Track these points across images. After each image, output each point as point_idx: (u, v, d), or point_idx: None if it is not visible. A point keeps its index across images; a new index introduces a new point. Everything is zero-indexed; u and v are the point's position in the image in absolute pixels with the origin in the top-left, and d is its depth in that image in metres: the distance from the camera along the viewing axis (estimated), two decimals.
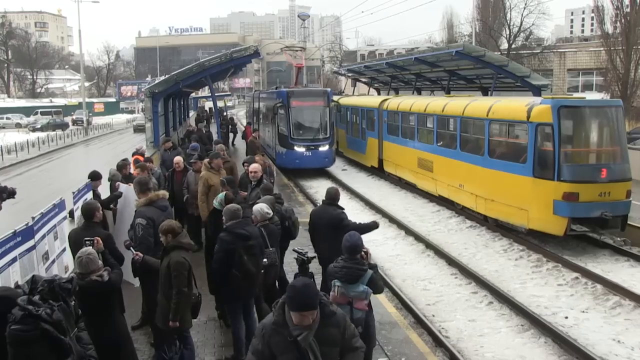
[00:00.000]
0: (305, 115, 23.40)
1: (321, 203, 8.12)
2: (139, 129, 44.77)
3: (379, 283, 5.61)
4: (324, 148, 23.04)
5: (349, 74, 38.33)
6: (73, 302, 4.57)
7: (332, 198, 7.69)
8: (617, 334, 8.69)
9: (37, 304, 4.17)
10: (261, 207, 7.52)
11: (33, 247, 6.40)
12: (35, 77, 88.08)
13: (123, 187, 9.14)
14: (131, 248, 6.45)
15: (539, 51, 44.49)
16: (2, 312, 4.17)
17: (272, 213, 7.50)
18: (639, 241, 12.85)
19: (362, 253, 5.60)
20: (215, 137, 23.69)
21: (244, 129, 33.43)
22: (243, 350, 6.67)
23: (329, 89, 25.24)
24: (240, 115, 67.70)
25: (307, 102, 23.26)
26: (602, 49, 35.30)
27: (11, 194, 8.70)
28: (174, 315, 5.95)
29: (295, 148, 22.80)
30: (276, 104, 23.39)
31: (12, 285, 5.50)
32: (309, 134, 23.10)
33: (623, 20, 31.97)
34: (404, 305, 9.75)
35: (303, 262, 5.53)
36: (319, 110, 23.34)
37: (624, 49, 31.55)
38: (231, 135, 32.17)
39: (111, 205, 8.81)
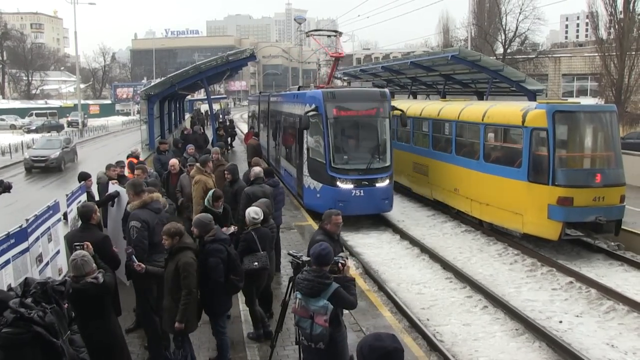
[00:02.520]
0: (354, 130, 15.43)
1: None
2: None
3: (347, 298, 5.19)
4: (383, 183, 14.81)
5: (345, 78, 38.34)
6: (66, 305, 4.55)
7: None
8: (611, 339, 8.71)
9: (30, 306, 4.13)
10: (249, 211, 7.54)
11: (27, 250, 6.35)
12: (30, 78, 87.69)
13: (118, 188, 9.17)
14: (133, 256, 6.43)
15: (534, 56, 44.69)
16: None
17: (260, 217, 7.49)
18: (633, 246, 12.90)
19: (339, 264, 5.35)
20: (210, 139, 23.68)
21: (243, 134, 32.59)
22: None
23: (386, 90, 15.95)
24: (234, 119, 67.48)
25: (358, 110, 15.07)
26: (596, 54, 35.54)
27: (7, 187, 8.67)
28: (181, 317, 5.99)
29: (339, 184, 14.56)
30: (306, 113, 14.90)
31: (5, 288, 5.47)
32: (360, 161, 14.88)
33: (617, 26, 32.18)
34: (399, 309, 9.74)
35: (298, 266, 5.51)
36: (375, 123, 15.24)
37: (618, 54, 31.75)
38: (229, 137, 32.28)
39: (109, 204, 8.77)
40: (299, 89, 19.95)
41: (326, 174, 14.68)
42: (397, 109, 15.93)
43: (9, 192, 8.73)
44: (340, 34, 18.34)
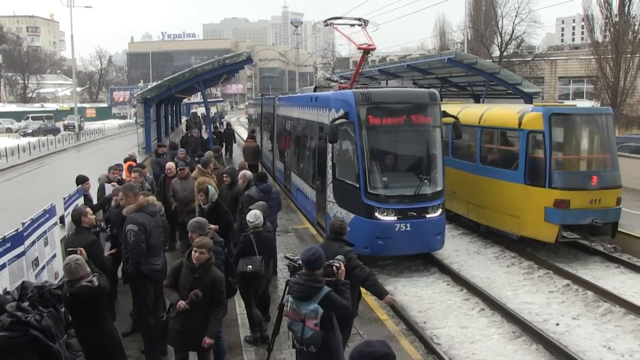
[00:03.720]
0: (397, 143, 12.03)
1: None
2: None
3: (339, 303, 5.16)
4: (435, 214, 11.39)
5: (342, 81, 38.37)
6: (63, 308, 4.53)
7: (337, 232, 6.61)
8: (608, 341, 8.72)
9: (26, 310, 4.11)
10: (248, 215, 7.55)
11: (23, 254, 6.34)
12: (26, 81, 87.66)
13: (109, 188, 9.25)
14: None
15: (530, 59, 44.88)
16: None
17: (256, 221, 7.48)
18: (629, 248, 12.92)
19: (334, 267, 5.34)
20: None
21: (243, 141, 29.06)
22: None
23: (435, 90, 12.58)
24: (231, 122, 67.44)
25: (402, 117, 11.57)
26: (592, 57, 35.71)
27: None
28: (212, 331, 5.95)
29: (378, 215, 11.09)
30: (332, 121, 11.37)
31: (1, 292, 5.45)
32: (406, 185, 11.52)
33: (612, 29, 32.34)
34: (396, 313, 9.73)
35: (294, 269, 5.50)
36: (424, 134, 11.91)
37: (613, 57, 31.91)
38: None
39: (106, 207, 8.77)
40: (315, 90, 16.41)
41: (360, 201, 11.09)
42: (448, 114, 12.37)
43: None
44: (367, 22, 14.68)
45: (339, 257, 5.65)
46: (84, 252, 5.90)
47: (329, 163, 12.08)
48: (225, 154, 27.53)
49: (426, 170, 11.74)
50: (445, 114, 12.18)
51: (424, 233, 11.32)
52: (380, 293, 6.51)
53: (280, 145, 19.89)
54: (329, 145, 11.92)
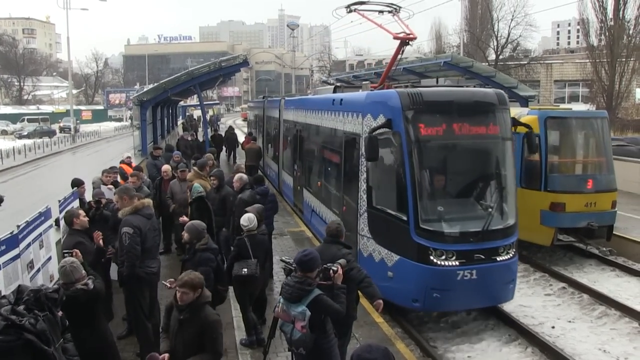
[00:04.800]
0: (459, 162, 9.38)
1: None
2: None
3: (330, 306, 5.12)
4: (507, 255, 8.66)
5: (338, 85, 38.42)
6: (60, 313, 4.50)
7: (334, 235, 6.44)
8: (603, 344, 8.74)
9: (21, 313, 4.08)
10: (242, 219, 7.55)
11: (17, 256, 6.30)
12: (22, 83, 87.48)
13: (105, 190, 9.27)
14: None
15: (526, 62, 45.09)
16: None
17: (250, 225, 7.48)
18: (625, 251, 12.96)
19: (331, 271, 5.34)
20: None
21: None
22: None
23: (502, 91, 9.61)
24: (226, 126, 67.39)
25: (465, 126, 8.69)
26: (587, 60, 35.90)
27: None
28: None
29: (435, 259, 8.30)
30: (372, 132, 8.71)
31: None
32: (471, 217, 8.85)
33: (607, 33, 32.53)
34: (391, 316, 9.72)
35: (290, 272, 5.50)
36: (493, 148, 9.22)
37: (608, 61, 32.11)
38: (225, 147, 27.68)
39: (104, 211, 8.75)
40: (335, 90, 13.51)
41: (408, 239, 8.30)
42: (519, 122, 10.24)
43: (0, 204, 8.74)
44: (399, 8, 11.96)
45: (340, 261, 5.64)
46: (79, 254, 5.89)
47: (362, 185, 9.26)
48: (228, 160, 26.78)
49: (497, 198, 8.91)
50: (515, 122, 9.61)
51: (493, 282, 8.54)
52: (373, 296, 6.35)
53: (288, 155, 17.23)
54: (363, 163, 9.22)
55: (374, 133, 8.57)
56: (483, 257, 8.29)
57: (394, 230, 8.64)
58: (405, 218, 8.37)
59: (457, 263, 8.21)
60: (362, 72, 33.57)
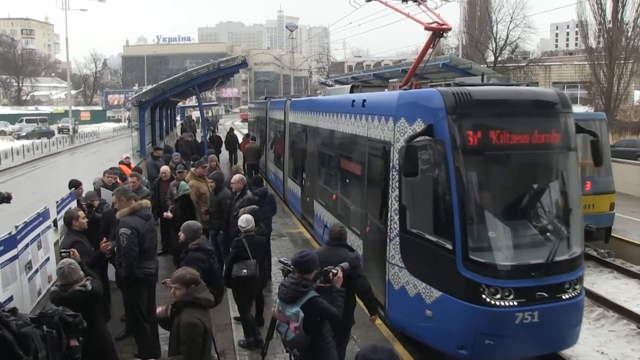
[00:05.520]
0: (516, 178, 7.60)
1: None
2: None
3: (326, 309, 5.11)
4: (573, 292, 6.97)
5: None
6: (72, 341, 4.30)
7: (337, 238, 6.32)
8: (601, 345, 8.76)
9: (17, 316, 4.02)
10: (240, 220, 7.56)
11: (16, 257, 6.30)
12: (20, 84, 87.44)
13: (104, 193, 9.28)
14: None
15: (524, 64, 45.20)
16: None
17: (248, 226, 7.49)
18: (623, 253, 12.98)
19: (330, 274, 5.36)
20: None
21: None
22: None
23: (564, 92, 7.91)
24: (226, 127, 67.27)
25: (525, 134, 6.99)
26: (586, 62, 35.96)
27: (6, 198, 8.64)
28: None
29: (487, 297, 6.55)
30: (410, 140, 7.01)
31: None
32: (530, 245, 7.09)
33: (606, 35, 32.59)
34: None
35: (288, 273, 5.51)
36: (559, 163, 7.56)
37: (607, 63, 32.15)
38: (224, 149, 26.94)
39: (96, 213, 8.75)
40: (352, 90, 11.46)
41: (454, 272, 6.73)
42: (584, 129, 7.92)
43: (9, 202, 8.73)
44: None
45: (343, 264, 5.64)
46: (76, 253, 5.88)
47: (393, 204, 7.71)
48: (230, 162, 26.43)
49: (562, 222, 7.33)
50: (579, 129, 7.65)
51: (557, 325, 6.84)
52: (373, 309, 6.51)
53: (295, 162, 15.82)
54: (394, 176, 7.71)
55: (412, 142, 6.87)
56: (546, 295, 6.61)
57: (435, 261, 7.02)
58: (450, 246, 6.71)
59: (516, 303, 6.53)
60: (360, 73, 33.59)
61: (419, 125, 7.22)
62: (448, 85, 7.66)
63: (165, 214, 9.96)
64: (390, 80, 10.77)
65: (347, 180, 10.48)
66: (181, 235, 6.63)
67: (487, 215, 6.98)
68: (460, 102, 6.85)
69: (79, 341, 4.33)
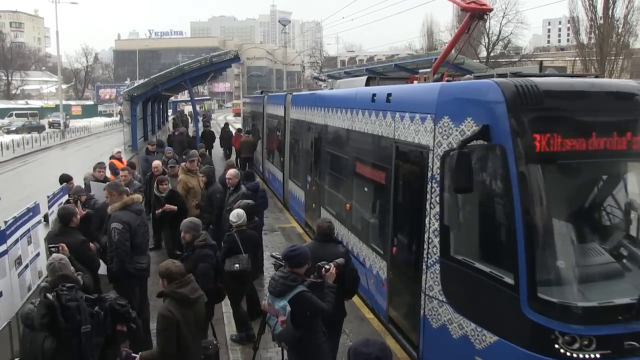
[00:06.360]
0: (598, 194, 5.92)
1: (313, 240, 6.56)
2: None
3: (315, 304, 5.10)
4: None
5: (329, 80, 38.44)
6: (123, 327, 4.63)
7: (326, 233, 6.31)
8: None
9: (72, 291, 4.42)
10: (231, 215, 7.56)
11: (5, 252, 6.26)
12: (10, 78, 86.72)
13: (94, 185, 9.26)
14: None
15: (517, 59, 45.41)
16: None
17: (240, 221, 7.49)
18: None
19: (322, 270, 5.37)
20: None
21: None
22: None
23: None
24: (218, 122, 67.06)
25: (606, 137, 5.25)
26: (577, 58, 36.17)
27: None
28: (148, 358, 4.96)
29: (561, 348, 4.86)
30: (463, 144, 5.41)
31: None
32: (616, 280, 5.35)
33: (597, 32, 32.80)
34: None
35: (280, 267, 5.51)
36: None
37: (598, 59, 32.38)
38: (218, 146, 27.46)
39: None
40: (369, 82, 10.01)
41: (516, 313, 5.15)
42: None
43: None
44: None
45: (338, 260, 5.64)
46: (65, 248, 5.85)
47: (432, 223, 6.24)
48: (225, 157, 26.58)
49: None
50: None
51: None
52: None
53: (298, 163, 14.58)
54: (433, 190, 6.23)
55: (464, 149, 5.35)
56: (638, 345, 5.00)
57: (490, 297, 5.47)
58: (511, 280, 5.18)
59: (598, 355, 4.95)
60: (352, 68, 33.45)
61: (469, 126, 5.68)
62: (502, 76, 5.92)
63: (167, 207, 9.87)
64: (420, 71, 9.05)
65: (366, 189, 8.90)
66: (186, 235, 6.51)
67: (561, 242, 5.34)
68: (525, 96, 5.28)
69: (129, 328, 4.64)
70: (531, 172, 5.19)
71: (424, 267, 6.34)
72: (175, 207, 9.74)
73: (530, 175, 5.18)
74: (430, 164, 6.30)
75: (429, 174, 6.31)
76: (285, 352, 5.61)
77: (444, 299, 6.07)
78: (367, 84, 9.90)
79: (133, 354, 4.85)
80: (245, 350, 7.36)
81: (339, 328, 6.53)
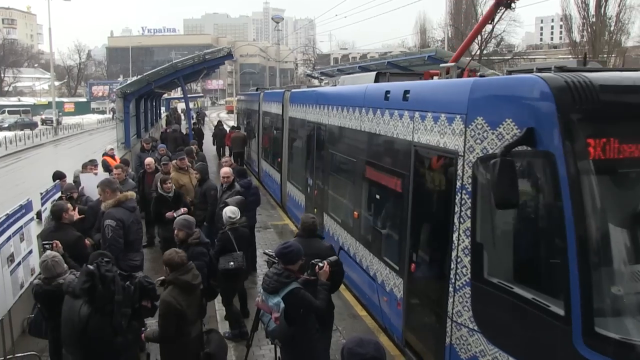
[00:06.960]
0: None
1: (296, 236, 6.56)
2: None
3: (308, 301, 5.12)
4: None
5: (322, 77, 38.44)
6: (148, 303, 5.15)
7: (310, 229, 6.37)
8: None
9: (108, 265, 4.96)
10: (225, 210, 7.57)
11: None
12: (2, 75, 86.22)
13: (83, 177, 9.28)
14: None
15: (509, 57, 45.50)
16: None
17: (236, 217, 7.51)
18: None
19: (316, 268, 5.37)
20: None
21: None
22: None
23: None
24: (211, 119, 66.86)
25: None
26: (570, 56, 36.27)
27: None
28: (150, 337, 5.36)
29: None
30: (507, 150, 4.44)
31: None
32: None
33: (589, 30, 32.98)
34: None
35: (273, 265, 5.53)
36: None
37: (590, 57, 32.48)
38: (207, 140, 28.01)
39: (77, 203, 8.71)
40: (378, 78, 9.38)
41: (567, 350, 4.16)
42: None
43: None
44: None
45: (332, 258, 5.65)
46: (59, 245, 5.85)
47: (462, 240, 5.35)
48: (218, 154, 26.40)
49: None
50: None
51: None
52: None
53: (298, 165, 13.50)
54: (464, 202, 5.32)
55: (508, 155, 4.44)
56: None
57: (532, 328, 4.56)
58: (561, 311, 4.28)
59: None
60: (345, 65, 33.43)
61: (509, 129, 4.77)
62: (542, 70, 5.07)
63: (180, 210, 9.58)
64: (441, 65, 7.90)
65: (378, 197, 7.94)
66: (180, 233, 6.47)
67: (622, 265, 4.44)
68: (577, 93, 4.34)
69: (153, 306, 5.19)
70: (586, 183, 4.29)
71: (451, 289, 5.47)
72: (186, 209, 9.23)
73: (584, 186, 4.29)
74: (459, 172, 5.37)
75: (458, 184, 5.38)
76: (278, 349, 5.63)
77: (475, 327, 5.19)
78: (377, 80, 9.24)
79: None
80: (239, 348, 7.37)
81: (330, 321, 6.55)
